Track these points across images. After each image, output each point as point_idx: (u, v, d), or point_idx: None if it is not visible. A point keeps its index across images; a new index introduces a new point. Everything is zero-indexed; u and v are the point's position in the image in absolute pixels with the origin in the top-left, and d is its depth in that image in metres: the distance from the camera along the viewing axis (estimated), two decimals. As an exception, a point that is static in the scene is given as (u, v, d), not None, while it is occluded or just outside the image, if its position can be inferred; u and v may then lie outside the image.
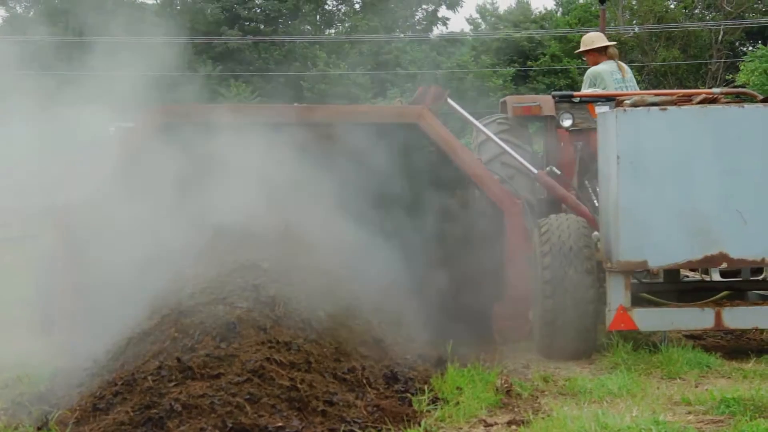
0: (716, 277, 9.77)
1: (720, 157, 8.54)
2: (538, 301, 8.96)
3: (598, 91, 11.07)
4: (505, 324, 9.26)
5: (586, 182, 10.80)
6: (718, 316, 8.66)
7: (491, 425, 6.51)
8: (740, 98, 9.52)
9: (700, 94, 9.07)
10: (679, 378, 7.94)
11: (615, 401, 7.09)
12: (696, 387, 7.62)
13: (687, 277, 10.23)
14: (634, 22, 57.11)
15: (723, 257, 8.56)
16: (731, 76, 47.99)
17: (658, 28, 54.94)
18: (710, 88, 46.74)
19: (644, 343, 8.83)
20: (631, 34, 55.08)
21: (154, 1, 63.70)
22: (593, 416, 6.37)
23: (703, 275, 10.02)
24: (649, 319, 8.71)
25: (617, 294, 8.63)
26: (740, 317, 8.74)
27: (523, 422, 6.50)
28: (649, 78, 54.82)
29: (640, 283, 9.43)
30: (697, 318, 8.72)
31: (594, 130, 9.99)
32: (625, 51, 53.21)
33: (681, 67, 55.21)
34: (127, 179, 8.71)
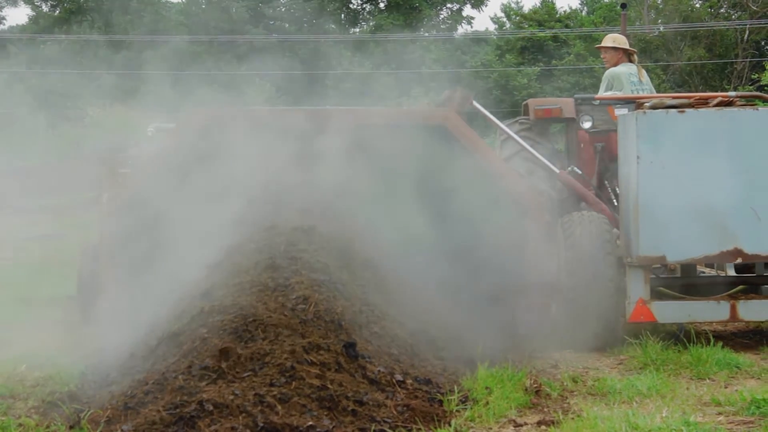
0: (731, 272, 10.04)
1: (735, 157, 8.89)
2: (561, 293, 9.24)
3: (617, 93, 11.17)
4: (529, 317, 9.39)
5: (606, 182, 11.12)
6: (733, 309, 9.03)
7: (521, 425, 6.51)
8: (755, 101, 9.71)
9: (716, 97, 9.36)
10: (709, 378, 7.95)
11: (644, 401, 7.09)
12: (726, 387, 7.61)
13: (703, 272, 10.58)
14: (660, 21, 56.84)
15: (738, 252, 8.92)
16: (757, 75, 47.68)
17: (683, 28, 54.68)
18: (735, 87, 46.57)
19: (673, 343, 8.85)
20: (657, 33, 54.80)
21: (179, 0, 63.90)
22: (623, 417, 6.37)
23: (719, 271, 10.33)
24: (668, 311, 9.06)
25: (637, 287, 8.97)
26: (755, 310, 9.12)
27: (553, 422, 6.49)
28: (674, 77, 54.54)
29: (657, 278, 9.73)
30: (714, 310, 9.08)
31: (613, 131, 10.40)
32: (650, 50, 53.01)
33: (706, 67, 54.92)
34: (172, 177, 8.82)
